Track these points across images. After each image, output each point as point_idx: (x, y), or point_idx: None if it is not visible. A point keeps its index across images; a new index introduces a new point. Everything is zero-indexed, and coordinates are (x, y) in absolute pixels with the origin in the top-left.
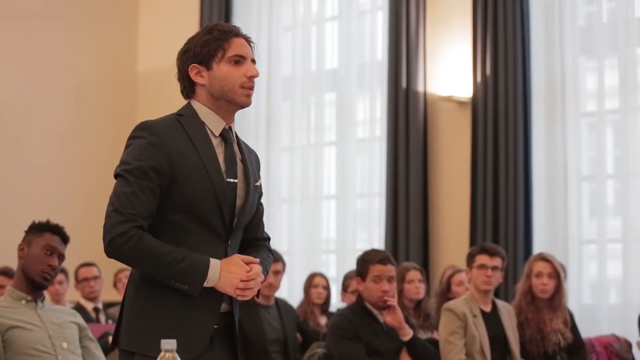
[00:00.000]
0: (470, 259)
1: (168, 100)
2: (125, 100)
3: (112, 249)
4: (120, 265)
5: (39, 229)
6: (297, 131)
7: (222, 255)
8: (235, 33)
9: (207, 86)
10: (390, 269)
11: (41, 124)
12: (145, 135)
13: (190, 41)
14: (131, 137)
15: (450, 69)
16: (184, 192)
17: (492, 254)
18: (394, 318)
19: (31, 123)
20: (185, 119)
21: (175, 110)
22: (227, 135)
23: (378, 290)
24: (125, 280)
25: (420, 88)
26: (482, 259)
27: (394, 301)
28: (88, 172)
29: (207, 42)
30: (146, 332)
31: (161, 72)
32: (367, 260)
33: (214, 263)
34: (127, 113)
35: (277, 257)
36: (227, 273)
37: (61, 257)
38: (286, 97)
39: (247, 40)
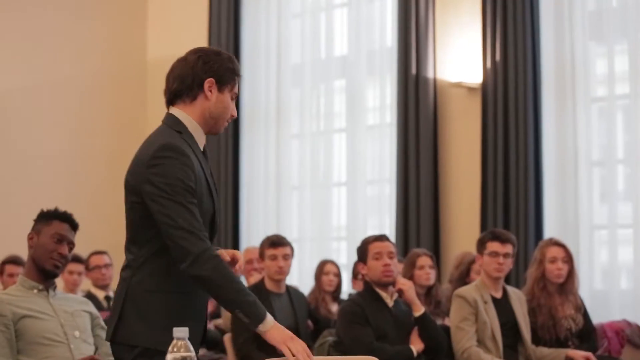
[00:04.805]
0: (482, 245)
1: None
2: (134, 89)
3: (198, 266)
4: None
5: (47, 217)
6: (307, 118)
7: None
8: (240, 75)
9: (210, 103)
10: (389, 245)
11: (51, 113)
12: (176, 156)
13: (215, 57)
14: (160, 157)
15: (460, 55)
16: (198, 207)
17: (503, 240)
18: (408, 293)
19: (41, 113)
20: (185, 136)
21: None
22: (205, 149)
23: (380, 266)
24: None
25: (430, 74)
26: (493, 246)
27: (405, 282)
28: (98, 161)
29: (229, 70)
30: (154, 329)
31: (170, 61)
32: (365, 242)
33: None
34: (137, 102)
35: (285, 242)
36: (279, 326)
37: (71, 245)
38: (296, 84)
39: None
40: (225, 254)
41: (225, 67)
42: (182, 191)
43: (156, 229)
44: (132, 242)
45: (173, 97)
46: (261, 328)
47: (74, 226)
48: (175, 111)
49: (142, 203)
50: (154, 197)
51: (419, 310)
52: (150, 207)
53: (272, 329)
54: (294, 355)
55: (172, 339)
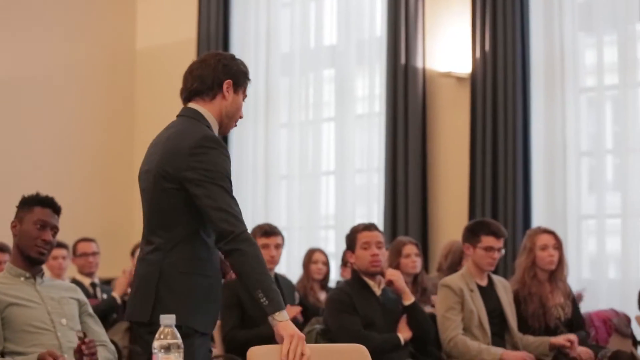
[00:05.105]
0: (474, 237)
1: (166, 78)
2: (123, 78)
3: (236, 242)
4: (125, 242)
5: (28, 204)
6: (295, 107)
7: None
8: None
9: (227, 103)
10: (377, 235)
11: (39, 102)
12: (217, 147)
13: (231, 61)
14: (203, 147)
15: (449, 45)
16: None
17: (499, 236)
18: (397, 282)
19: (29, 101)
20: (212, 131)
21: (172, 87)
22: None
23: (368, 256)
24: None
25: (419, 64)
26: (489, 240)
27: (394, 272)
28: (87, 149)
29: (243, 74)
30: (188, 309)
31: (159, 50)
32: (353, 231)
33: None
34: (126, 91)
35: (277, 231)
36: (292, 323)
37: (54, 230)
38: (285, 73)
39: None
40: None
41: (241, 71)
42: (224, 177)
43: (190, 215)
44: (161, 226)
45: (192, 95)
46: (277, 317)
47: (57, 210)
48: (196, 107)
49: (179, 189)
50: (198, 182)
51: (409, 299)
52: (193, 191)
53: (288, 321)
54: (287, 353)
55: (206, 318)
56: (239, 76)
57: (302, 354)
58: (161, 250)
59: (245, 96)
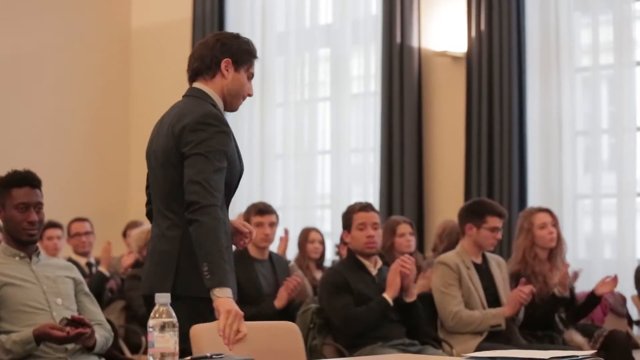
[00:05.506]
0: (479, 217)
1: (161, 57)
2: (118, 57)
3: (199, 213)
4: (120, 221)
5: (4, 186)
6: (291, 87)
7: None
8: (256, 57)
9: (227, 82)
10: (373, 216)
11: (34, 80)
12: (217, 124)
13: (232, 39)
14: (203, 123)
15: (444, 24)
16: (230, 170)
17: (502, 216)
18: (407, 279)
19: (25, 79)
20: (218, 109)
21: (167, 66)
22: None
23: (363, 237)
24: None
25: (414, 43)
26: (495, 221)
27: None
28: (82, 128)
29: (246, 51)
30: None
31: (155, 29)
32: (350, 210)
33: (230, 292)
34: (121, 70)
35: (271, 210)
36: (233, 302)
37: (38, 206)
38: (280, 52)
39: None
40: (240, 224)
41: (243, 49)
42: (215, 152)
43: None
44: (176, 200)
45: (194, 75)
46: (217, 292)
47: (35, 184)
48: (200, 86)
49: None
50: (189, 155)
51: (412, 297)
52: (185, 164)
53: (227, 298)
54: (223, 329)
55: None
56: (239, 54)
57: (239, 331)
58: (178, 225)
59: (251, 74)
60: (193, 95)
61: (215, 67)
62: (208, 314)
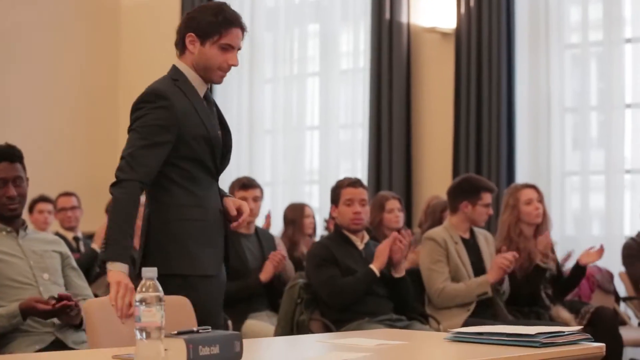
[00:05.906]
0: (475, 194)
1: (150, 33)
2: (108, 33)
3: (115, 188)
4: (109, 196)
5: None
6: (280, 62)
7: (217, 190)
8: (237, 24)
9: (195, 56)
10: (361, 192)
11: (22, 55)
12: (154, 100)
13: (200, 13)
14: (141, 101)
15: (434, 0)
16: (190, 145)
17: (493, 191)
18: (397, 256)
19: (11, 53)
20: (181, 83)
21: (156, 41)
22: (208, 96)
23: (350, 213)
24: None
25: (403, 19)
26: (488, 197)
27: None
28: (70, 103)
29: (210, 24)
30: (177, 254)
31: (144, 6)
32: (338, 185)
33: (125, 267)
34: (110, 45)
35: (255, 184)
36: (125, 275)
37: (18, 180)
38: (269, 28)
39: (243, 31)
40: (232, 204)
41: (207, 22)
42: (148, 127)
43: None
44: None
45: (178, 50)
46: (109, 265)
47: (15, 158)
48: (177, 62)
49: None
50: (128, 133)
51: (401, 272)
52: None
53: (118, 271)
54: (115, 300)
55: (201, 261)
56: (203, 28)
57: (130, 305)
58: (147, 204)
59: (226, 44)
60: (169, 72)
61: (181, 43)
62: (178, 291)
